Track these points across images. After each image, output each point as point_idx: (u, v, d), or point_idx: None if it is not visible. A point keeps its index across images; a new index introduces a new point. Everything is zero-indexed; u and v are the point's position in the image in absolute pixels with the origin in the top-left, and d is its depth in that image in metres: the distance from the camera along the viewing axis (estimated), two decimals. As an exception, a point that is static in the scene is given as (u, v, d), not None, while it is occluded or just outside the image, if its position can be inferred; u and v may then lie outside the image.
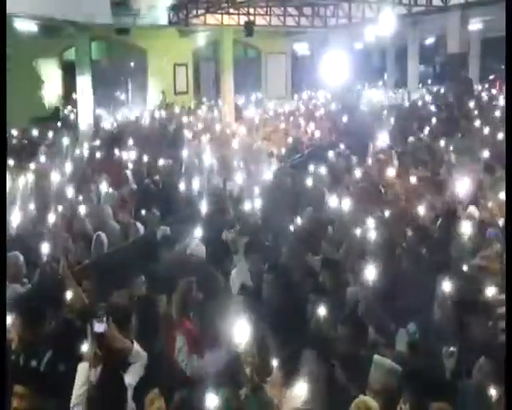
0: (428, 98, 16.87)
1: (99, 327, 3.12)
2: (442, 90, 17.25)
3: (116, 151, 10.58)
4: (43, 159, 10.07)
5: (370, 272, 4.38)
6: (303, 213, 6.52)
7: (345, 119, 13.31)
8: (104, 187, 7.99)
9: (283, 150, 11.16)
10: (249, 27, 15.38)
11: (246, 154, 10.32)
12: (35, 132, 13.03)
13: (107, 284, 4.58)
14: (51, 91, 16.84)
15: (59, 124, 15.15)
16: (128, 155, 10.27)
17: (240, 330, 3.36)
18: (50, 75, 16.64)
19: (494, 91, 16.38)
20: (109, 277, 4.81)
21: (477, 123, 10.74)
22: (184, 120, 14.78)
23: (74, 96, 15.45)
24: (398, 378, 3.13)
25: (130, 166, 9.51)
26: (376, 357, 3.21)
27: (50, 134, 12.92)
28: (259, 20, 16.71)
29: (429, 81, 24.94)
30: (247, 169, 9.19)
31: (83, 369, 3.26)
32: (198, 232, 5.76)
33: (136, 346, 3.43)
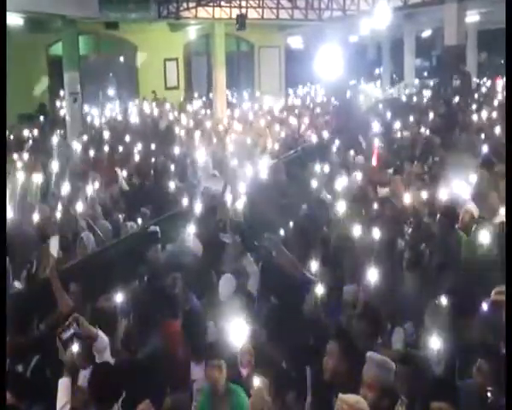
0: (425, 92, 16.91)
1: (66, 335, 3.28)
2: (439, 84, 17.28)
3: (105, 149, 10.53)
4: (28, 156, 9.99)
5: (367, 271, 4.38)
6: (297, 211, 6.51)
7: (340, 114, 13.31)
8: (93, 185, 7.91)
9: (277, 146, 11.15)
10: (241, 20, 15.35)
11: (238, 150, 10.30)
12: (21, 129, 12.93)
13: (95, 286, 4.54)
14: (37, 87, 16.71)
15: (45, 120, 15.05)
16: (118, 153, 10.23)
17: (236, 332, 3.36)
18: (36, 70, 16.51)
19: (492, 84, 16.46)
20: (98, 278, 4.77)
21: (475, 117, 10.77)
22: (176, 116, 14.73)
23: (61, 92, 15.35)
24: (392, 375, 3.15)
25: (121, 163, 9.46)
26: (370, 353, 3.24)
27: (36, 131, 12.84)
28: (252, 13, 16.68)
29: (426, 75, 25.02)
30: (240, 166, 9.16)
31: (64, 386, 3.25)
32: (191, 230, 5.74)
33: (100, 332, 3.46)
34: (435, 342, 3.51)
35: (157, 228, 6.06)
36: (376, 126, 10.68)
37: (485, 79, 19.31)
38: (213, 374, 3.42)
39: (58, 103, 16.47)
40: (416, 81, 21.39)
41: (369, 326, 3.79)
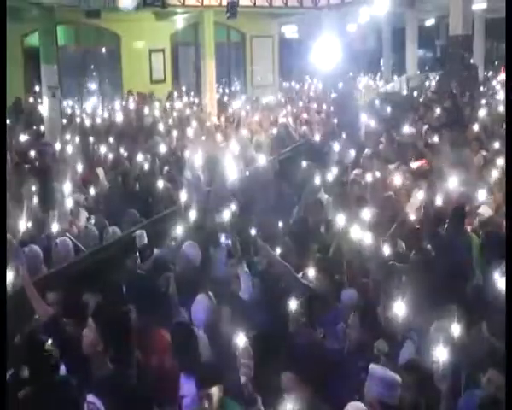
0: (429, 85, 17.01)
1: None
2: (443, 77, 17.39)
3: (86, 147, 10.49)
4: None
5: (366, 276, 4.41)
6: (293, 211, 6.53)
7: (338, 109, 13.34)
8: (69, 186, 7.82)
9: (271, 144, 11.17)
10: (232, 8, 15.35)
11: (230, 148, 10.31)
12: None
13: (76, 295, 4.53)
14: (12, 81, 16.57)
15: (21, 117, 14.95)
16: (100, 151, 10.19)
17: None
18: (11, 63, 16.39)
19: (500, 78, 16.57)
20: (78, 286, 4.75)
21: (482, 112, 10.85)
22: (162, 111, 14.71)
23: (38, 86, 15.26)
24: (397, 391, 3.16)
25: (103, 162, 9.44)
26: (372, 366, 3.24)
27: (11, 128, 12.74)
28: (243, 1, 16.66)
29: (429, 67, 25.14)
30: (233, 164, 9.17)
31: None
32: (179, 234, 5.75)
33: None
34: (442, 353, 3.52)
35: (143, 233, 6.05)
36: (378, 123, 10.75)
37: (488, 72, 19.45)
38: (203, 404, 3.38)
39: (35, 98, 16.37)
40: (419, 73, 21.50)
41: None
